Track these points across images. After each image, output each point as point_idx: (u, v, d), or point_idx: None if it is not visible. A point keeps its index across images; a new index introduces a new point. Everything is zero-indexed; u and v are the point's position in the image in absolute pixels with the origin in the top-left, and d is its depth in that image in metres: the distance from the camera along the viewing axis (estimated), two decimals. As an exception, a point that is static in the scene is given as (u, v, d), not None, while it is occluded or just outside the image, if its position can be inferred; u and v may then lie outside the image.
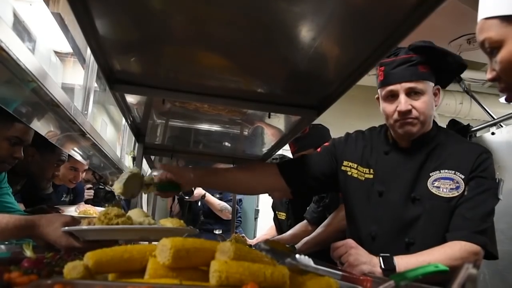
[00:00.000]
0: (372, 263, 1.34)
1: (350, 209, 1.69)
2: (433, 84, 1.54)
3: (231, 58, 1.18)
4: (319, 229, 2.21)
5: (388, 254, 1.35)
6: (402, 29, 0.85)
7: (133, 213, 1.25)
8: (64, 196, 3.11)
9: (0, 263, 0.83)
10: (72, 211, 2.49)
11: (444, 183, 1.46)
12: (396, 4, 0.80)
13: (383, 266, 1.32)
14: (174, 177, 1.60)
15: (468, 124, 3.30)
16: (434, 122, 1.59)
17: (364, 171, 1.65)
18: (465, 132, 3.21)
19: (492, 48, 1.04)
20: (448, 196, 1.44)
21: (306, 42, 1.01)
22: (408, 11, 0.79)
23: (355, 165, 1.69)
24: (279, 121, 1.68)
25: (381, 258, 1.34)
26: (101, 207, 2.81)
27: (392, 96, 1.51)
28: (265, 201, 5.03)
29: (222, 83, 1.35)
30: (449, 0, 0.73)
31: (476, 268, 0.62)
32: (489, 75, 1.08)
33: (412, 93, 1.51)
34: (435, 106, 1.56)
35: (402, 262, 1.33)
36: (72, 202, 3.06)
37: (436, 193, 1.46)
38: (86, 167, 2.98)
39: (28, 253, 0.90)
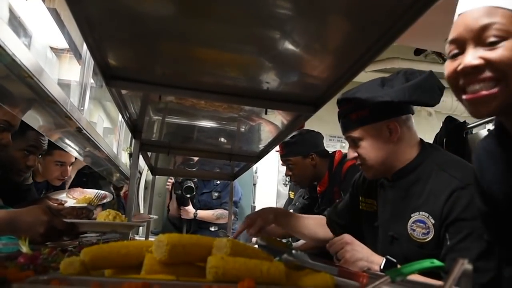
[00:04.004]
0: (370, 260, 1.33)
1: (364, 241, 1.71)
2: (377, 123, 1.49)
3: (227, 54, 1.17)
4: None
5: (394, 260, 1.31)
6: (399, 25, 0.85)
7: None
8: (43, 192, 2.66)
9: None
10: (63, 196, 2.41)
11: (419, 226, 1.38)
12: (393, 0, 0.80)
13: (382, 268, 1.30)
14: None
15: (464, 121, 3.31)
16: (423, 150, 1.51)
17: (372, 203, 1.66)
18: (461, 129, 3.22)
19: (497, 36, 0.94)
20: (420, 240, 1.36)
21: (303, 38, 1.01)
22: (405, 7, 0.79)
23: (364, 199, 1.72)
24: (276, 117, 1.69)
25: (385, 261, 1.31)
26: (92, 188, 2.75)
27: None
28: (261, 199, 5.04)
29: (219, 80, 1.35)
30: (446, -4, 0.73)
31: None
32: (476, 60, 0.96)
33: (353, 142, 1.55)
34: (394, 141, 1.48)
35: None
36: None
37: (412, 236, 1.39)
38: (73, 159, 2.68)
39: (24, 249, 0.90)
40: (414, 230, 1.38)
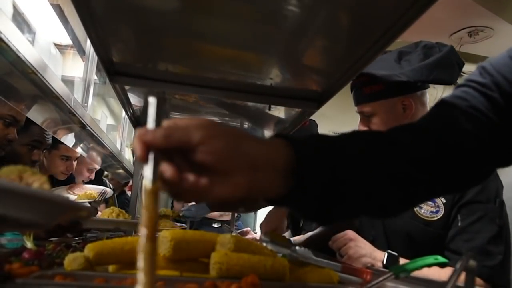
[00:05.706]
0: (373, 256, 1.31)
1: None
2: (392, 99, 1.46)
3: (231, 50, 1.17)
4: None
5: (395, 253, 1.28)
6: (403, 21, 0.84)
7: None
8: None
9: (0, 255, 0.84)
10: (63, 192, 2.39)
11: (427, 204, 1.35)
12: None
13: (385, 263, 1.27)
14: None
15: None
16: None
17: None
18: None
19: None
20: (427, 219, 1.33)
21: (306, 34, 1.01)
22: (409, 2, 0.79)
23: None
24: (279, 113, 1.68)
25: (386, 255, 1.28)
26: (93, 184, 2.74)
27: None
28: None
29: (223, 76, 1.35)
30: (451, -8, 0.73)
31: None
32: None
33: (365, 116, 1.51)
34: (408, 117, 1.45)
35: None
36: None
37: (418, 213, 1.36)
38: (78, 154, 2.68)
39: (29, 244, 0.90)
40: (421, 208, 1.36)
